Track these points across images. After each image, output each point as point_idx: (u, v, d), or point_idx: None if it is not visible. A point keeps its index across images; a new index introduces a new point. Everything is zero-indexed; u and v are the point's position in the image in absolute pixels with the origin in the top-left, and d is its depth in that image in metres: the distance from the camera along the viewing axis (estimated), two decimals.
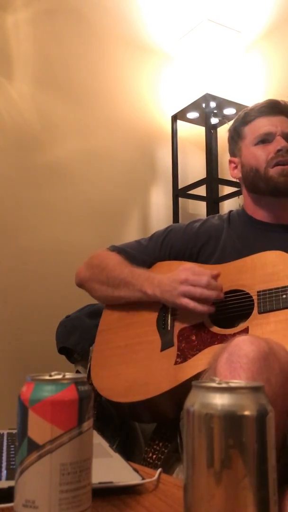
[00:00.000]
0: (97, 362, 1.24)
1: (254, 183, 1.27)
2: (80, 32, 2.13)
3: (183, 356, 1.10)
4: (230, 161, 1.36)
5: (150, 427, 1.22)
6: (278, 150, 1.23)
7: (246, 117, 1.31)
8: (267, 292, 1.06)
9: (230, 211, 1.38)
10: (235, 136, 1.33)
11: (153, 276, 1.20)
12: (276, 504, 0.41)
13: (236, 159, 1.34)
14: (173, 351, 1.12)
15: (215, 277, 1.13)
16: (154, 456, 1.10)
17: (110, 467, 0.69)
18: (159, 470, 0.67)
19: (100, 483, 0.57)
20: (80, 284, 1.35)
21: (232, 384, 0.43)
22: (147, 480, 0.62)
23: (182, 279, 1.12)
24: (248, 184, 1.30)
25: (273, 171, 1.23)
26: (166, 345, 1.14)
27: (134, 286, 1.20)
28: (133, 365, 1.16)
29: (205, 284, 1.10)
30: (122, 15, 2.23)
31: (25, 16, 2.00)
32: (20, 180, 1.93)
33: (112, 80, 2.20)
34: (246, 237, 1.26)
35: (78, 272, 1.35)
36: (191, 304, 1.11)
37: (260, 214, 1.29)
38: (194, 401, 0.42)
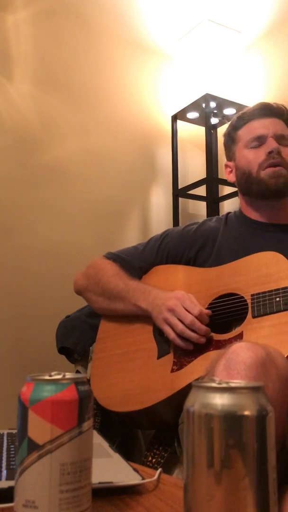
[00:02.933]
0: (96, 371, 1.24)
1: (247, 186, 1.28)
2: (80, 32, 2.13)
3: (179, 364, 1.09)
4: (226, 165, 1.37)
5: None
6: (269, 152, 1.22)
7: (239, 121, 1.31)
8: (261, 295, 1.05)
9: (228, 213, 1.38)
10: (229, 140, 1.34)
11: (149, 290, 1.19)
12: (276, 504, 0.41)
13: (231, 163, 1.35)
14: (169, 358, 1.12)
15: (204, 316, 1.09)
16: (153, 460, 1.10)
17: (110, 467, 0.69)
18: (159, 470, 0.67)
19: (100, 483, 0.57)
20: (79, 293, 1.36)
21: (232, 384, 0.43)
22: (147, 480, 0.62)
23: (170, 307, 1.11)
24: (241, 187, 1.31)
25: (264, 173, 1.23)
26: (162, 352, 1.14)
27: (129, 300, 1.20)
28: (130, 373, 1.16)
29: (188, 323, 1.07)
30: (122, 15, 2.23)
31: (25, 16, 2.00)
32: (20, 180, 1.93)
33: (112, 80, 2.20)
34: (242, 237, 1.25)
35: (76, 280, 1.36)
36: (171, 335, 1.10)
37: (254, 215, 1.29)
38: (194, 401, 0.42)
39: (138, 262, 1.31)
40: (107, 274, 1.27)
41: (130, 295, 1.20)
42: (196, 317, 1.08)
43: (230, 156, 1.36)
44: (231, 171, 1.35)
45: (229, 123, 1.37)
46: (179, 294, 1.14)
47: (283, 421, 0.78)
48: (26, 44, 2.00)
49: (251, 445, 0.40)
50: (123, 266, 1.30)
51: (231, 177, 1.35)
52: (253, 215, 1.30)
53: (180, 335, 1.09)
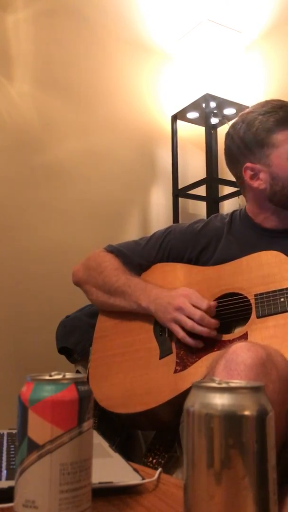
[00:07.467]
0: (95, 371, 1.22)
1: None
2: (80, 32, 2.13)
3: (182, 364, 1.08)
4: (247, 168, 1.19)
5: None
6: None
7: (272, 121, 1.15)
8: (265, 295, 1.04)
9: (233, 212, 1.31)
10: (257, 141, 1.16)
11: (150, 288, 1.18)
12: (276, 504, 0.41)
13: (257, 166, 1.17)
14: (172, 358, 1.11)
15: (212, 309, 1.09)
16: (154, 461, 1.10)
17: (110, 467, 0.69)
18: (159, 470, 0.67)
19: (100, 483, 0.56)
20: (77, 284, 1.34)
21: (232, 384, 0.43)
22: (147, 480, 0.62)
23: (177, 306, 1.10)
24: (279, 198, 1.17)
25: None
26: (164, 352, 1.13)
27: (130, 296, 1.19)
28: (132, 374, 1.15)
29: (198, 319, 1.07)
30: (122, 15, 2.23)
31: (25, 16, 2.00)
32: (20, 180, 1.93)
33: (112, 80, 2.20)
34: (246, 243, 1.20)
35: (75, 271, 1.34)
36: (180, 333, 1.10)
37: (270, 223, 1.21)
38: (194, 401, 0.42)
39: (138, 258, 1.29)
40: (109, 267, 1.26)
41: (131, 291, 1.19)
42: (205, 312, 1.08)
43: (252, 158, 1.18)
44: (255, 176, 1.19)
45: (246, 119, 1.20)
46: (184, 291, 1.13)
47: (283, 422, 0.78)
48: (26, 44, 2.00)
49: (251, 445, 0.40)
50: (123, 262, 1.28)
51: (257, 184, 1.18)
52: (268, 223, 1.21)
53: (189, 333, 1.08)
